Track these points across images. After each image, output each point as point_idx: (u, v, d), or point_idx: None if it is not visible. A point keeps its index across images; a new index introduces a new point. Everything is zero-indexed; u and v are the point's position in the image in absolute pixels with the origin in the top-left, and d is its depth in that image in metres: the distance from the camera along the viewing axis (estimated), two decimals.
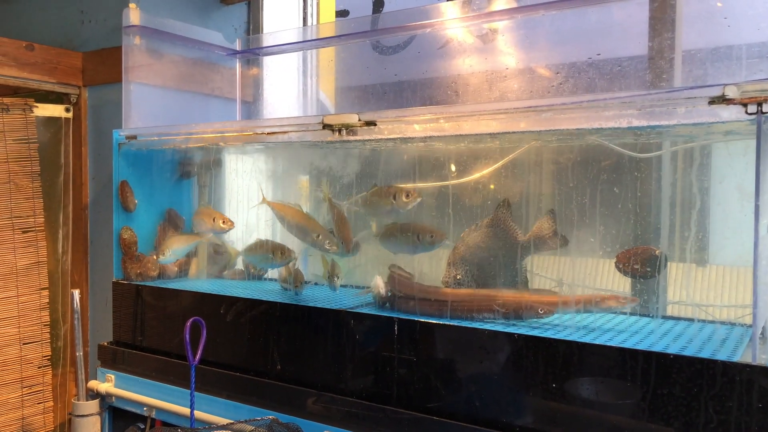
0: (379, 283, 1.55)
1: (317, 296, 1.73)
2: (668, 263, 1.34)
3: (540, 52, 1.74)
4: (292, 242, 1.78)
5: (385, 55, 1.99)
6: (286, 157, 2.08)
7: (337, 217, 1.67)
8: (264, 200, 1.81)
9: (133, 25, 2.03)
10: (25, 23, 2.81)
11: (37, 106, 2.39)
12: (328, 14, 2.33)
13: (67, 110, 2.49)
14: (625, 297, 1.31)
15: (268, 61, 2.30)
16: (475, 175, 1.54)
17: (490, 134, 1.34)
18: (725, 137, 1.26)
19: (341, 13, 2.25)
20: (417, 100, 1.92)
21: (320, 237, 1.65)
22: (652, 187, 1.45)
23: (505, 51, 1.78)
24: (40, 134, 2.42)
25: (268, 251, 1.78)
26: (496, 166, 1.51)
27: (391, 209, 1.54)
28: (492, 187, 1.54)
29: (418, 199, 1.51)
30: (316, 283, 1.84)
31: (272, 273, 1.96)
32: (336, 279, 1.71)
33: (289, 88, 2.30)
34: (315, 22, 2.34)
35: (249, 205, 1.89)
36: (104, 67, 2.47)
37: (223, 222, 1.86)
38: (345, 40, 2.06)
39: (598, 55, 1.63)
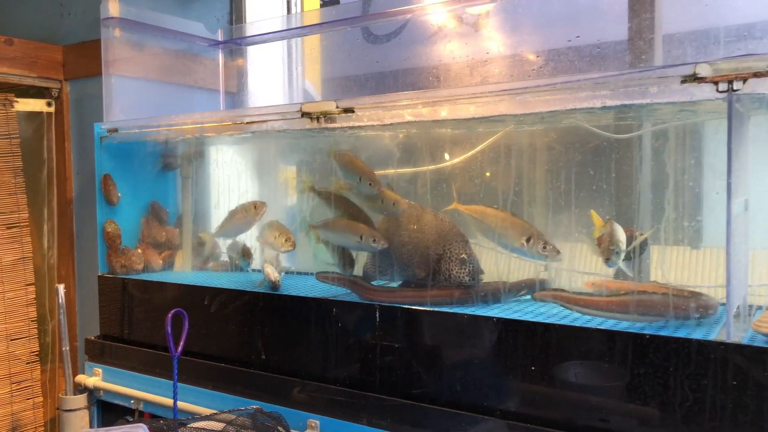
0: (270, 271, 1.62)
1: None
2: (649, 246, 1.34)
3: (521, 37, 1.73)
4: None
5: (375, 44, 1.98)
6: (270, 147, 2.07)
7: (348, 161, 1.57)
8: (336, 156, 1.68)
9: (112, 17, 2.01)
10: (4, 17, 2.79)
11: (17, 101, 2.37)
12: (313, 1, 2.31)
13: (49, 104, 2.47)
14: None
15: (252, 51, 2.28)
16: (453, 160, 1.54)
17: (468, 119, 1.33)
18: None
19: (331, 2, 2.23)
20: (399, 87, 1.91)
21: (371, 184, 1.56)
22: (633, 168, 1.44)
23: (486, 36, 1.77)
24: (22, 129, 2.40)
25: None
26: (475, 150, 1.51)
27: (518, 249, 1.35)
28: (488, 174, 1.52)
29: (558, 258, 1.34)
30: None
31: (256, 264, 1.95)
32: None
33: (274, 78, 2.29)
34: (299, 10, 2.32)
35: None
36: (85, 60, 2.45)
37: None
38: (329, 28, 2.04)
39: (578, 37, 1.62)
